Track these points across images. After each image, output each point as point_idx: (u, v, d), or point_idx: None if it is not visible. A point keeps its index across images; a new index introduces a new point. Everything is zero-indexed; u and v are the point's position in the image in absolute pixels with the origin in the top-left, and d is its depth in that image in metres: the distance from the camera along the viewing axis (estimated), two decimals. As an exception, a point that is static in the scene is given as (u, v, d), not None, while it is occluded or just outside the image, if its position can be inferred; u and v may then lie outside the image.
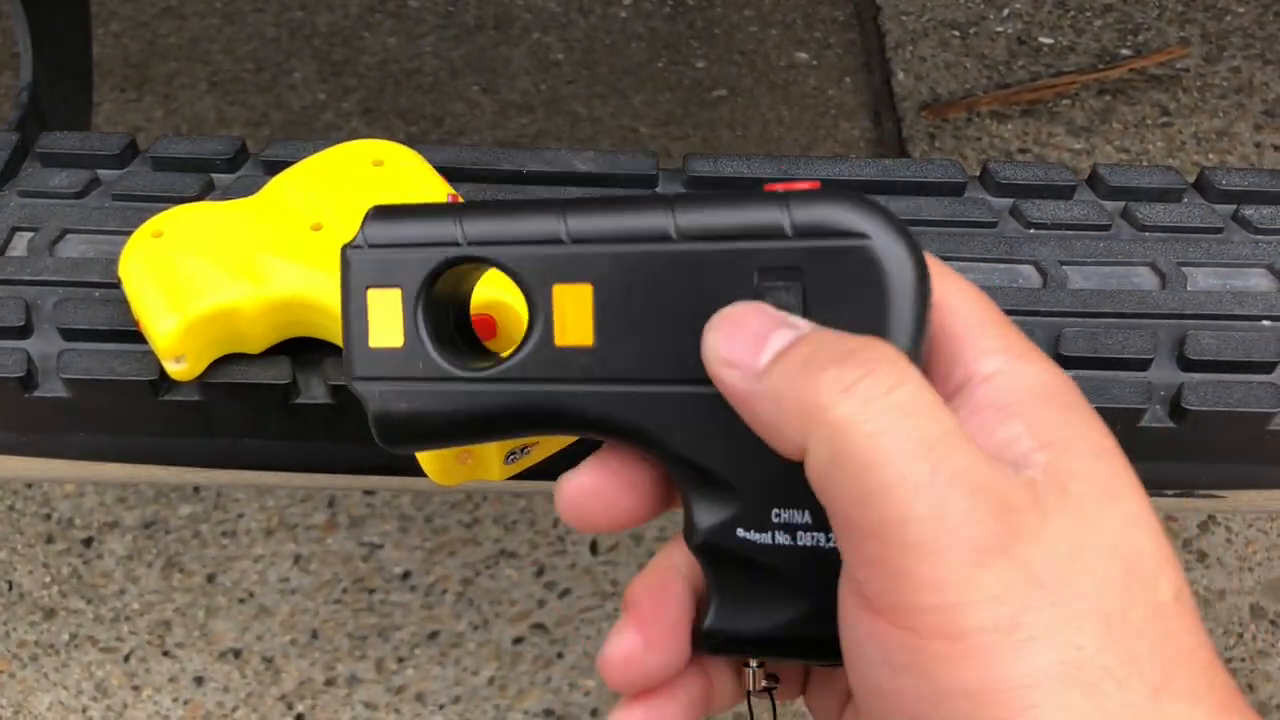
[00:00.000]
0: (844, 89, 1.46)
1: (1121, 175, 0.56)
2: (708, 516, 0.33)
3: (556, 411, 0.33)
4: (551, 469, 0.46)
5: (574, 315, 0.32)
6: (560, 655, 1.01)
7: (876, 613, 0.28)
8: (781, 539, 0.32)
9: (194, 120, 1.40)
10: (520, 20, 1.52)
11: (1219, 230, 0.54)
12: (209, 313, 0.46)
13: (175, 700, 0.99)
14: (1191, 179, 0.57)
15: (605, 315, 0.32)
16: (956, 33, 1.51)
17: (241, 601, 1.04)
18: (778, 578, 0.33)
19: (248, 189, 0.53)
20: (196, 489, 1.11)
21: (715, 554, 0.33)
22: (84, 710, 0.99)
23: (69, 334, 0.49)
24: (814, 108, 1.43)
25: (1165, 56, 1.44)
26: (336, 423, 0.49)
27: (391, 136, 0.50)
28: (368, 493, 1.10)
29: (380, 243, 0.34)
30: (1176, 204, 0.55)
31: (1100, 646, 0.26)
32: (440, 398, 0.34)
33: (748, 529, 0.32)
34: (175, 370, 0.46)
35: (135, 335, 0.48)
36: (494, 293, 0.47)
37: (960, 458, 0.27)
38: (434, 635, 1.02)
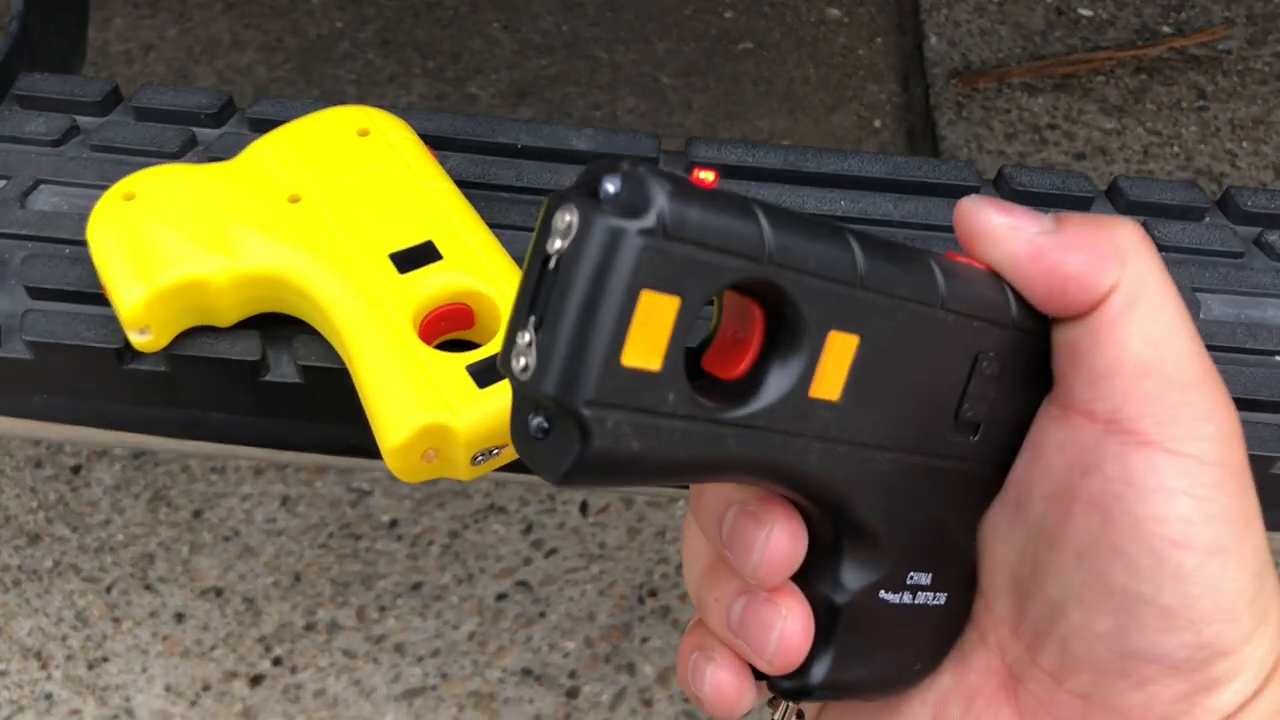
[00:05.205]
0: (874, 50, 1.42)
1: (1141, 189, 0.53)
2: (857, 578, 0.32)
3: (785, 467, 0.29)
4: (520, 465, 0.45)
5: (834, 366, 0.29)
6: (543, 615, 1.01)
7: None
8: (906, 599, 0.33)
9: (207, 41, 1.37)
10: (546, -43, 1.48)
11: (1239, 255, 0.51)
12: (176, 284, 0.44)
13: (154, 635, 0.99)
14: (1216, 195, 0.55)
15: (860, 372, 0.29)
16: (994, -2, 1.46)
17: (226, 540, 1.04)
18: (891, 632, 0.33)
19: (231, 146, 0.51)
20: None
21: (851, 613, 0.33)
22: (64, 639, 0.98)
23: (35, 292, 0.47)
24: (842, 67, 1.40)
25: (1207, 37, 1.40)
26: (305, 402, 0.47)
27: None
28: (360, 437, 1.09)
29: (680, 234, 0.25)
30: (1197, 223, 0.52)
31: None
32: (680, 439, 0.27)
33: (888, 590, 0.33)
34: (139, 341, 0.45)
35: (104, 298, 0.46)
36: (471, 281, 0.45)
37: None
38: (417, 586, 1.02)
